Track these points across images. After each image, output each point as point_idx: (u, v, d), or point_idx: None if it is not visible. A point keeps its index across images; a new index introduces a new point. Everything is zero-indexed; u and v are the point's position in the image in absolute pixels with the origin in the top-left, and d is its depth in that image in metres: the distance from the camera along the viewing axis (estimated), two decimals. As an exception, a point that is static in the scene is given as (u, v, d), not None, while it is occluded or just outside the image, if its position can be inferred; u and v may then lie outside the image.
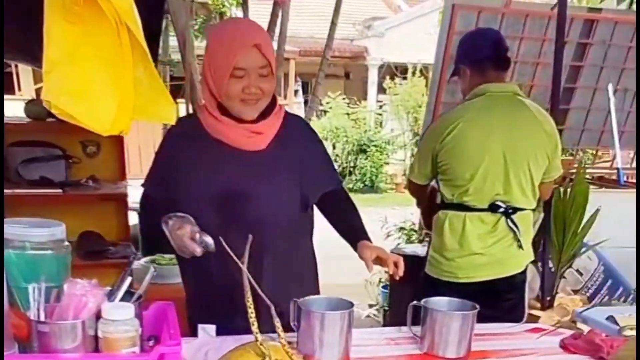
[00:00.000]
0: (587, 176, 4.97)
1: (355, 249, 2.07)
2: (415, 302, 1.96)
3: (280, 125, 2.14)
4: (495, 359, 1.91)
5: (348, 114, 14.25)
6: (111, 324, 1.55)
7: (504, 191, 2.82)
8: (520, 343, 2.03)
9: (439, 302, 1.97)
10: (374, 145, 13.72)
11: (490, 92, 2.85)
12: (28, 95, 10.53)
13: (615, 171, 5.44)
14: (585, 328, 2.50)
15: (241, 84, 2.00)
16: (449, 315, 1.90)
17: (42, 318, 1.55)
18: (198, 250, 1.84)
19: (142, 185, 2.22)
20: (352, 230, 2.15)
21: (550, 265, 3.98)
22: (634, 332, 2.13)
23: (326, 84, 5.62)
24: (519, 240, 2.85)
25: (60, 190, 3.15)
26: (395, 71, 15.35)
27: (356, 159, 13.69)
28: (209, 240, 1.84)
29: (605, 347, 1.93)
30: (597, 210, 3.90)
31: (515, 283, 2.91)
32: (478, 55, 2.89)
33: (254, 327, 1.17)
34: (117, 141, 3.44)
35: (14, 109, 4.05)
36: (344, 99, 14.44)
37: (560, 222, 3.88)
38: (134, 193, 4.27)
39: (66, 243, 1.72)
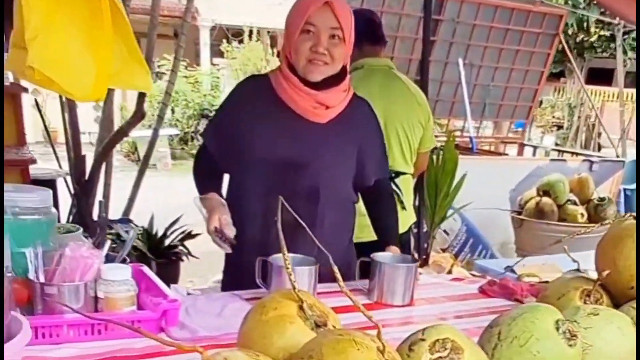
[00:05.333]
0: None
1: (383, 249, 2.26)
2: (363, 258, 2.14)
3: (347, 105, 2.19)
4: (431, 304, 2.14)
5: (186, 77, 13.99)
6: (112, 284, 1.61)
7: None
8: (447, 291, 2.29)
9: (384, 257, 2.17)
10: (216, 110, 13.62)
11: (368, 65, 3.11)
12: None
13: (468, 139, 5.96)
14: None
15: (310, 41, 2.05)
16: (395, 267, 2.10)
17: (42, 280, 1.58)
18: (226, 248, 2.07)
19: (201, 135, 2.38)
20: (385, 230, 2.37)
21: (424, 227, 4.36)
22: (532, 279, 2.44)
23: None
24: (402, 202, 3.14)
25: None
26: (227, 33, 15.27)
27: (198, 123, 13.52)
28: (230, 235, 2.05)
29: (518, 290, 2.24)
30: (464, 175, 4.29)
31: (400, 243, 3.21)
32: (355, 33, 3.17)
33: (293, 277, 1.30)
34: (14, 103, 3.23)
35: None
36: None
37: (433, 187, 4.24)
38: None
39: (53, 209, 1.73)
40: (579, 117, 14.90)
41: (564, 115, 17.00)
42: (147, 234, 4.84)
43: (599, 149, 13.70)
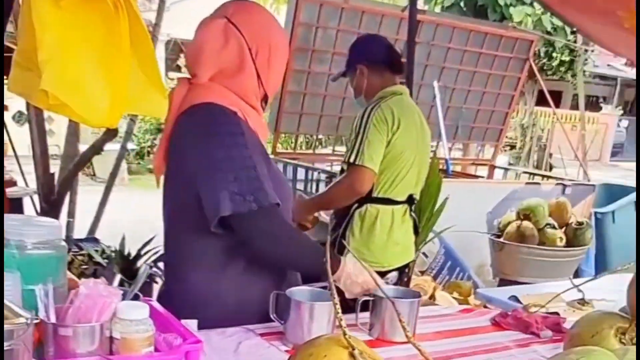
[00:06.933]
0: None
1: None
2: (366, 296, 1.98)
3: None
4: (446, 339, 2.05)
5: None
6: (129, 324, 1.47)
7: (415, 183, 3.07)
8: (458, 323, 2.21)
9: (386, 291, 2.02)
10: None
11: (402, 93, 3.04)
12: None
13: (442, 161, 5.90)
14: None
15: None
16: (397, 303, 1.95)
17: (54, 321, 1.44)
18: None
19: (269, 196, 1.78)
20: None
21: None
22: (538, 309, 2.37)
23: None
24: (417, 227, 3.16)
25: None
26: (182, 47, 15.06)
27: (154, 138, 13.41)
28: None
29: (533, 323, 2.16)
30: (446, 199, 4.24)
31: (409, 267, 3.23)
32: (376, 58, 3.07)
33: (344, 322, 1.21)
34: None
35: None
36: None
37: (416, 211, 4.16)
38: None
39: (63, 242, 1.59)
40: (531, 137, 15.26)
41: (517, 135, 17.42)
42: (120, 255, 4.63)
43: (550, 168, 13.92)
